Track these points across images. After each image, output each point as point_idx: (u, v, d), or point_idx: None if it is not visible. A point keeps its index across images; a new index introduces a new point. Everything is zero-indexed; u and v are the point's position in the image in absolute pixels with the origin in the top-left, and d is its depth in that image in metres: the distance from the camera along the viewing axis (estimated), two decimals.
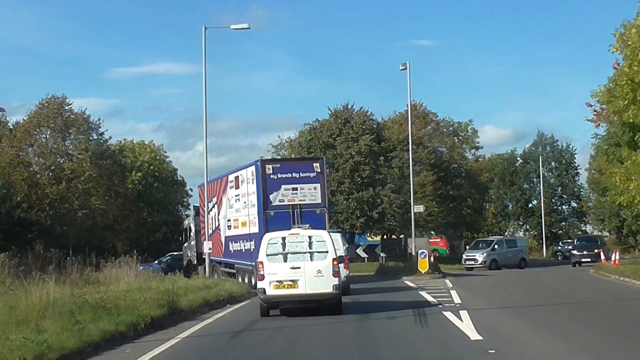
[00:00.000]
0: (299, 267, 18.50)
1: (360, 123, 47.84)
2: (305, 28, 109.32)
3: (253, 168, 27.60)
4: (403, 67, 39.43)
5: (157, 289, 20.45)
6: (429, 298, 22.45)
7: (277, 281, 18.52)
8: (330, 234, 20.80)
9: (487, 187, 63.53)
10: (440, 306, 19.59)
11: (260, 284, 18.70)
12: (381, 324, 16.25)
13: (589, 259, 46.87)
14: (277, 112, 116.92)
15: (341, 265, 22.03)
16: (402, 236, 51.23)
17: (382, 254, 42.86)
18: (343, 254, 24.65)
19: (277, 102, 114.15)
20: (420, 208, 40.58)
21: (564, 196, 77.86)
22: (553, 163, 77.67)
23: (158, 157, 71.33)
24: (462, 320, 15.76)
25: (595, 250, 47.30)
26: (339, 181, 45.99)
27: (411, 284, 30.25)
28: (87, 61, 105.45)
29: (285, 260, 18.64)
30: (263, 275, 18.65)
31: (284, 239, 18.93)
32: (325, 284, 18.52)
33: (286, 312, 19.38)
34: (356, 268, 41.31)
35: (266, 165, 26.92)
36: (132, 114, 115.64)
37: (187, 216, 38.61)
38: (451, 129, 61.05)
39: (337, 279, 18.76)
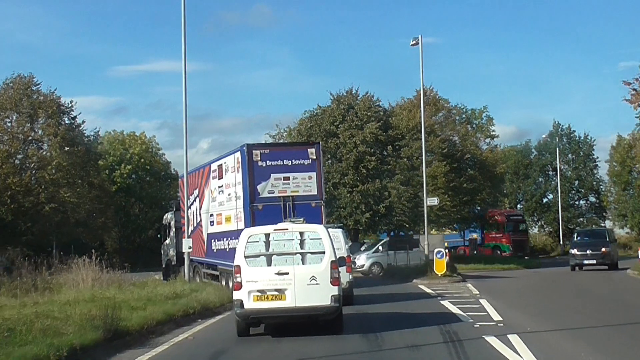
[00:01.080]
0: (287, 273, 14.25)
1: (365, 109, 43.63)
2: (308, 25, 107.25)
3: (238, 154, 23.57)
4: (414, 42, 34.84)
5: (108, 300, 16.00)
6: (456, 310, 17.62)
7: (259, 291, 14.26)
8: (329, 230, 16.38)
9: (503, 180, 58.77)
10: (476, 326, 14.66)
11: (236, 295, 14.41)
12: (402, 357, 11.63)
13: (594, 261, 35.89)
14: (280, 109, 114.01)
15: (342, 269, 17.64)
16: (411, 233, 46.97)
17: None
18: (345, 255, 20.16)
19: (280, 99, 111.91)
20: (434, 201, 36.04)
21: (582, 190, 73.41)
22: (570, 155, 73.33)
23: (150, 150, 66.95)
24: (520, 355, 10.99)
25: (603, 249, 36.11)
26: (342, 172, 41.85)
27: (427, 290, 25.52)
28: (89, 59, 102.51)
29: (269, 264, 14.38)
30: (240, 283, 14.38)
31: (267, 235, 14.66)
32: (321, 295, 14.24)
33: (271, 329, 15.02)
34: None
35: (253, 151, 22.83)
36: (135, 112, 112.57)
37: (171, 210, 34.22)
38: (464, 116, 56.45)
39: (336, 287, 14.43)
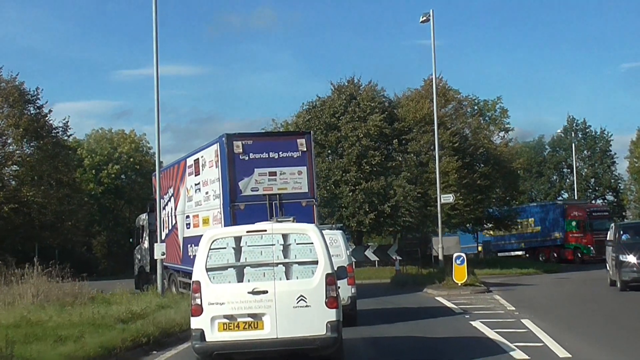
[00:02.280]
0: (265, 292, 10.42)
1: (368, 99, 39.90)
2: (312, 28, 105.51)
3: (216, 146, 20.34)
4: (424, 19, 30.92)
5: (35, 326, 11.98)
6: (495, 337, 13.09)
7: (226, 317, 10.41)
8: (324, 231, 12.36)
9: (519, 176, 54.27)
10: None
11: (195, 322, 10.52)
12: None
13: None
14: (284, 112, 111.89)
15: (342, 282, 13.62)
16: (418, 235, 42.97)
17: (398, 257, 34.64)
18: (346, 263, 16.05)
19: (284, 102, 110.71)
20: (449, 198, 32.11)
21: (599, 188, 69.46)
22: (585, 151, 69.45)
23: (140, 149, 63.14)
24: None
25: None
26: (344, 169, 38.12)
27: (447, 303, 21.08)
28: (91, 63, 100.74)
29: (240, 279, 10.54)
30: (200, 306, 10.41)
31: (238, 240, 10.75)
32: (313, 321, 10.39)
33: None
34: (365, 274, 33.28)
35: (234, 142, 19.75)
36: (138, 115, 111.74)
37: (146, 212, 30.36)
38: (476, 108, 52.34)
39: (333, 310, 10.52)
